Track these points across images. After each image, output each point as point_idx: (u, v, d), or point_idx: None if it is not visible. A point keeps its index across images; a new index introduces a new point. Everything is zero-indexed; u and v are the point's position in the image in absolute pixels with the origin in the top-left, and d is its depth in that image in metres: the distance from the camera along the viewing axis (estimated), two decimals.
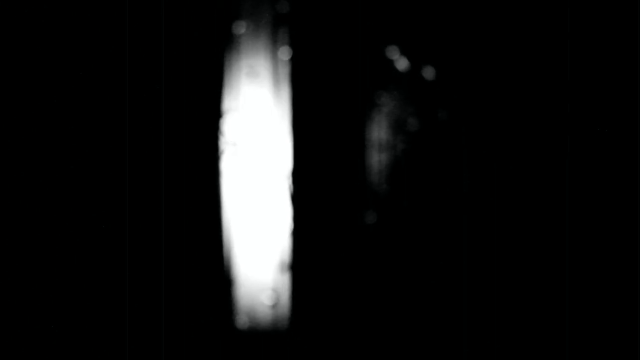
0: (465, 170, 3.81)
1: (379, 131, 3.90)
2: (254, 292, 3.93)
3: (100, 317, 3.64)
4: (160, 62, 3.71)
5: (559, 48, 3.62)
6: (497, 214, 3.73)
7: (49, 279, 3.60)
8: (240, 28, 3.88)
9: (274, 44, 3.90)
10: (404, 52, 3.86)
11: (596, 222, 3.54)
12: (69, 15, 3.60)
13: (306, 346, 3.83)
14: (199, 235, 3.82)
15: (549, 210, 3.63)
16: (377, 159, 3.90)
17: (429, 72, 3.85)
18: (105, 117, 3.66)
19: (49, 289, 3.60)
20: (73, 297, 3.62)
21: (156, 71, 3.72)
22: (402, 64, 3.87)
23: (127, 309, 3.67)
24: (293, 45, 3.87)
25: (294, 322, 3.86)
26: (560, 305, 3.53)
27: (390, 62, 3.87)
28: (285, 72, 3.92)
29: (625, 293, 3.42)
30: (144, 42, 3.69)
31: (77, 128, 3.63)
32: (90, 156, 3.64)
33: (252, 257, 3.93)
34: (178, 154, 3.78)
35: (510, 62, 3.74)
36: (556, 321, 3.58)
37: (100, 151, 3.65)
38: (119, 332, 3.66)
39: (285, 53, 3.88)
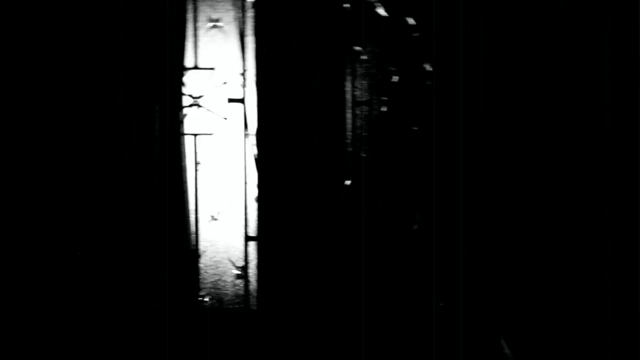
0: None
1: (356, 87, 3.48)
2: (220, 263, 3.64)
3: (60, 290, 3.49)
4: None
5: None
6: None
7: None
8: None
9: None
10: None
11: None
12: None
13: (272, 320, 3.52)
14: (161, 203, 3.54)
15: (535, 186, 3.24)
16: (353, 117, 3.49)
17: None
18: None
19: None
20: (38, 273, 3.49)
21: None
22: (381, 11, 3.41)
23: (86, 281, 3.49)
24: None
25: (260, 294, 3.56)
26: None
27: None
28: (250, 20, 3.54)
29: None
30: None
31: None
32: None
33: (219, 226, 3.63)
34: (138, 118, 3.49)
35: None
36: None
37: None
38: (84, 311, 3.50)
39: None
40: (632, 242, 3.23)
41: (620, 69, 3.24)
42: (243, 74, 3.55)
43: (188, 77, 3.57)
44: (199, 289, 3.62)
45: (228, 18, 3.57)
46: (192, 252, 3.60)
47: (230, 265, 3.63)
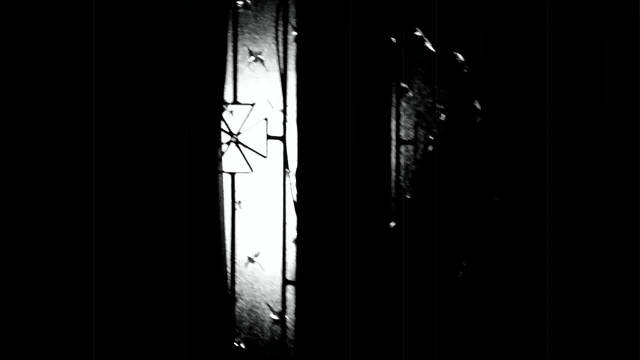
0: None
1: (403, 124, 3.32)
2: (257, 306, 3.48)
3: (103, 324, 3.36)
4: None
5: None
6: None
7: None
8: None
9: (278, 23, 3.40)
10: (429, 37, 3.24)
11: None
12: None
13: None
14: (200, 240, 3.40)
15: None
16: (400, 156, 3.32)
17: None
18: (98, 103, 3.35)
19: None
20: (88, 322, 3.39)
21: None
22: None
23: (127, 320, 3.36)
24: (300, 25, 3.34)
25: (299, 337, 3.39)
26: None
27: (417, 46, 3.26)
28: (292, 55, 3.40)
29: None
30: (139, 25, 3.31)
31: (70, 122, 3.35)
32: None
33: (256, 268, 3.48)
34: (177, 157, 3.37)
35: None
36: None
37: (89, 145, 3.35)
38: (125, 344, 3.37)
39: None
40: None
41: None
42: (284, 110, 3.41)
43: (227, 113, 3.43)
44: (235, 335, 3.46)
45: (269, 52, 3.44)
46: (227, 296, 3.45)
47: (267, 310, 3.47)
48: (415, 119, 3.32)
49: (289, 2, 3.40)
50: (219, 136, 3.42)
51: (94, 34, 3.32)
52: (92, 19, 3.31)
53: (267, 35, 3.44)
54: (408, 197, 3.33)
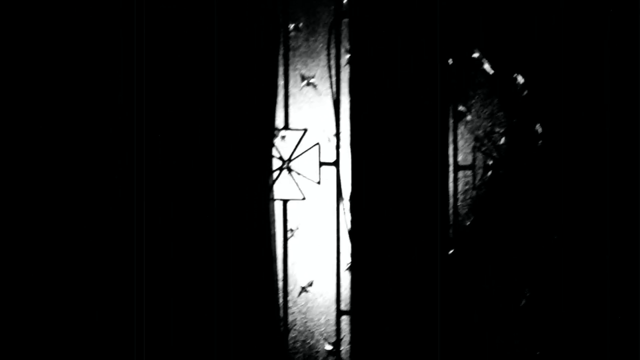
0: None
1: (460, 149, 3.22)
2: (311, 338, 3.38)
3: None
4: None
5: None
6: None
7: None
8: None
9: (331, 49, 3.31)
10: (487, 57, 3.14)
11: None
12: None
13: None
14: (249, 270, 3.31)
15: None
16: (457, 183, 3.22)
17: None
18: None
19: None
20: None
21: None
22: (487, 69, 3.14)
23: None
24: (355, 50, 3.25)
25: None
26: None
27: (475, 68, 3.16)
28: (345, 78, 3.31)
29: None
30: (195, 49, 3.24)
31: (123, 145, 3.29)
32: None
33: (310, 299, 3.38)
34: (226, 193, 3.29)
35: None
36: None
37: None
38: None
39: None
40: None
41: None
42: (337, 135, 3.32)
43: (278, 138, 3.35)
44: None
45: (322, 75, 3.35)
46: (280, 326, 3.36)
47: (321, 341, 3.37)
48: (474, 143, 3.22)
49: (342, 24, 3.32)
50: (270, 163, 3.34)
51: (135, 50, 3.26)
52: (134, 37, 3.26)
53: (319, 59, 3.35)
54: (467, 224, 3.22)
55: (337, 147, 3.33)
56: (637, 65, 3.04)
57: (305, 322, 3.39)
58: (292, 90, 3.38)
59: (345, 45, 3.31)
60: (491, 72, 3.15)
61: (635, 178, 3.06)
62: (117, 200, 3.27)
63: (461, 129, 3.22)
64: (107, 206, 3.27)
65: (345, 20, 3.30)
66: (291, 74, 3.37)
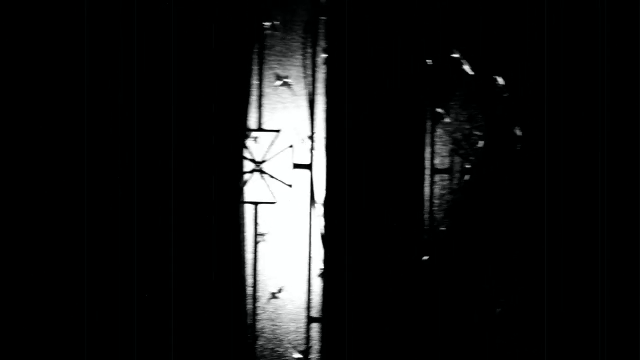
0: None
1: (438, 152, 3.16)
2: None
3: None
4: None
5: None
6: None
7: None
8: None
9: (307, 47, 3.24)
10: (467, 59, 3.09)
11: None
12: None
13: None
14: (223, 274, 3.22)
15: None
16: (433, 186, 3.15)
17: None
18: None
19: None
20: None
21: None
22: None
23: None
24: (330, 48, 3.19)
25: None
26: None
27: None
28: (321, 79, 3.25)
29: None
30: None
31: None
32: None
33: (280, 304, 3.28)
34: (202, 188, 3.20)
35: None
36: None
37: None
38: None
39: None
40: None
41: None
42: (311, 137, 3.25)
43: (250, 140, 3.27)
44: None
45: (297, 75, 3.28)
46: (248, 333, 3.25)
47: (290, 349, 3.27)
48: (451, 146, 3.16)
49: (319, 22, 3.26)
50: (242, 165, 3.25)
51: (126, 50, 3.19)
52: (119, 37, 3.19)
53: (295, 58, 3.28)
54: (442, 229, 3.15)
55: (311, 149, 3.25)
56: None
57: (274, 329, 3.28)
58: (266, 90, 3.30)
59: (322, 44, 3.25)
60: (471, 73, 3.10)
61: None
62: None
63: (439, 131, 3.16)
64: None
65: (323, 18, 3.24)
66: (266, 73, 3.30)
